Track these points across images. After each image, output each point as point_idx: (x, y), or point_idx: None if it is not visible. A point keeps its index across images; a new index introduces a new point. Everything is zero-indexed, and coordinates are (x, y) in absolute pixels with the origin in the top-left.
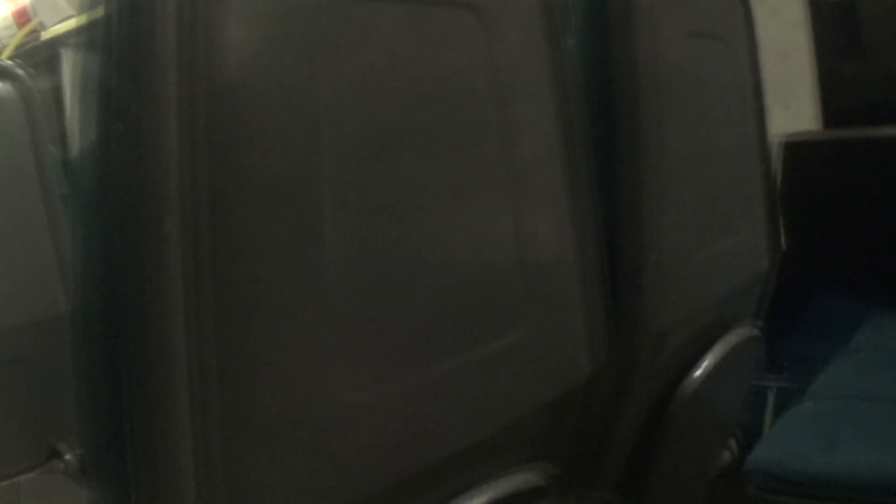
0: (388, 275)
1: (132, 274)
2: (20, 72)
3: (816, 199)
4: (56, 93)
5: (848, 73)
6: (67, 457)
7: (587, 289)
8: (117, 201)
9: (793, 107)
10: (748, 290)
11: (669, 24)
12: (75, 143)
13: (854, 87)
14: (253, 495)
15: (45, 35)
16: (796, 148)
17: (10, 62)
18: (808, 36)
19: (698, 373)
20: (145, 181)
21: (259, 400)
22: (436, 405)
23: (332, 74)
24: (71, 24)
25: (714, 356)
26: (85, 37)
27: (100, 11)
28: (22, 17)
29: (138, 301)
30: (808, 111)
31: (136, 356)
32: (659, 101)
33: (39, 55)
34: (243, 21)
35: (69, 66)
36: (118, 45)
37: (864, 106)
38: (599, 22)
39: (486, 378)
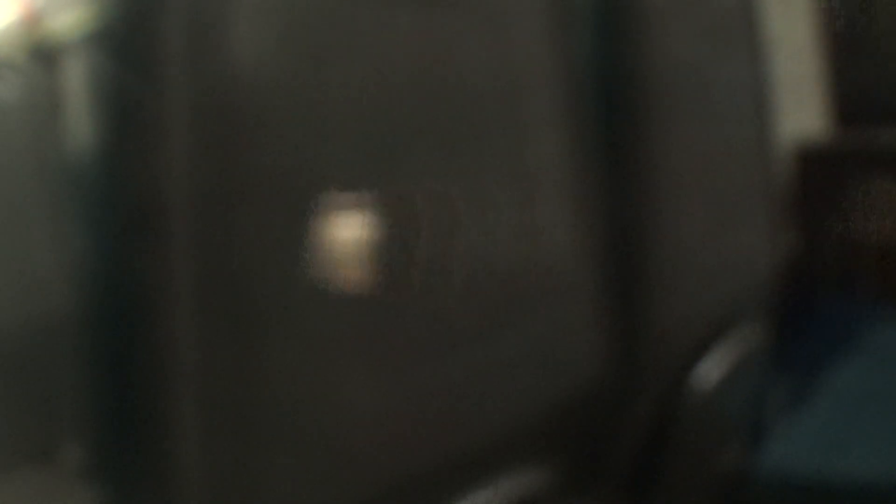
0: (397, 272)
1: (136, 272)
2: (23, 68)
3: (824, 199)
4: (59, 90)
5: (863, 69)
6: (70, 456)
7: (595, 287)
8: (120, 200)
9: (804, 103)
10: (755, 290)
11: (679, 21)
12: (77, 141)
13: (869, 85)
14: (260, 493)
15: (49, 32)
16: (805, 149)
17: (13, 59)
18: (821, 30)
19: (704, 372)
20: (149, 179)
21: (267, 396)
22: (442, 403)
23: (341, 72)
24: (75, 20)
25: (720, 356)
26: (89, 34)
27: (104, 8)
28: (27, 14)
29: (143, 300)
30: (820, 108)
31: (141, 355)
32: (668, 102)
33: (43, 52)
34: (251, 17)
35: (72, 63)
36: (122, 42)
37: (879, 104)
38: (609, 18)
39: (492, 376)
